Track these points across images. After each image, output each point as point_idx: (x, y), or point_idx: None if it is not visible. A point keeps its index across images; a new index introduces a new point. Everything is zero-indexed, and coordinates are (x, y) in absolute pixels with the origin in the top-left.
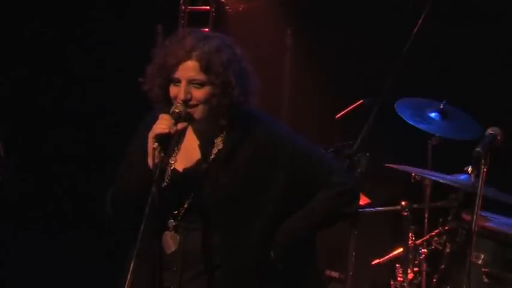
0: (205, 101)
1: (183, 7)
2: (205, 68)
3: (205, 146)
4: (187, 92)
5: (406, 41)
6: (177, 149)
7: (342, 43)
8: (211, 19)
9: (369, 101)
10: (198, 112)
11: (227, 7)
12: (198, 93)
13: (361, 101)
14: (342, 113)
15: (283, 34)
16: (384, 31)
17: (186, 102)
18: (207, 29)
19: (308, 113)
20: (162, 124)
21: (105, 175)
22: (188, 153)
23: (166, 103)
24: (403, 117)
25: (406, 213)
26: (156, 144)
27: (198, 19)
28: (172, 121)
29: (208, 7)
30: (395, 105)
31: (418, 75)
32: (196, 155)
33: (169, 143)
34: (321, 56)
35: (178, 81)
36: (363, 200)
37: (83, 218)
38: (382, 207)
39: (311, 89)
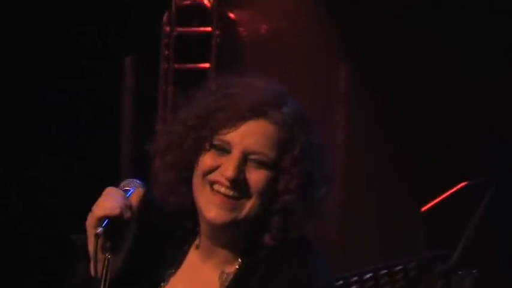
0: (262, 192)
1: (168, 29)
2: (284, 140)
3: (211, 277)
4: (240, 169)
5: None
6: (169, 275)
7: (427, 89)
8: (213, 48)
9: (476, 182)
10: (244, 208)
11: (240, 28)
12: (256, 176)
13: (463, 183)
14: (430, 204)
15: (333, 74)
16: (490, 70)
17: (233, 184)
18: (207, 65)
19: (372, 199)
20: (109, 201)
21: None
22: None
23: (184, 184)
24: None
25: None
26: (99, 230)
27: (193, 48)
28: (126, 200)
29: (209, 28)
30: None
31: None
32: None
33: (122, 235)
34: (395, 109)
35: (226, 149)
36: None
37: None
38: None
39: (377, 161)
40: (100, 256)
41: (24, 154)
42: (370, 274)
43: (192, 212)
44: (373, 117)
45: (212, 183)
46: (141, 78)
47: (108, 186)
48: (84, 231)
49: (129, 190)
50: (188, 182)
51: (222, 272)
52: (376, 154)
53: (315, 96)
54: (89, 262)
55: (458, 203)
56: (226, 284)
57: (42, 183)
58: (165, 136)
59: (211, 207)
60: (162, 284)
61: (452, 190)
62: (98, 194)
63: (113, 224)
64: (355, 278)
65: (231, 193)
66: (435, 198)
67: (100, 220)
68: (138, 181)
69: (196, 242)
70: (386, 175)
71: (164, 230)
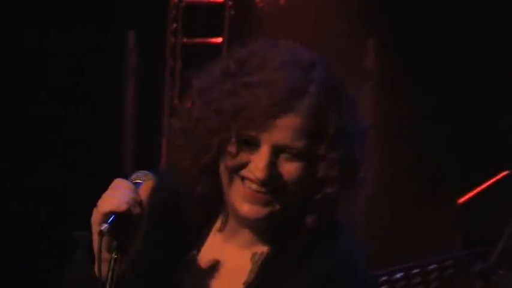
0: (298, 184)
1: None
2: (315, 127)
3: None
4: (271, 166)
5: None
6: (192, 257)
7: (466, 68)
8: (226, 21)
9: None
10: (280, 201)
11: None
12: (290, 168)
13: (504, 172)
14: (468, 195)
15: (360, 51)
16: None
17: (265, 182)
18: (219, 39)
19: (403, 188)
20: (117, 195)
21: None
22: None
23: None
24: None
25: None
26: (104, 227)
27: (203, 21)
28: (136, 194)
29: None
30: None
31: None
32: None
33: (130, 233)
34: (429, 89)
35: (254, 144)
36: None
37: None
38: None
39: (409, 147)
40: (105, 256)
41: (23, 150)
42: (401, 274)
43: (218, 197)
44: (405, 98)
45: (243, 178)
46: (145, 55)
47: (109, 181)
48: (88, 229)
49: (140, 183)
50: (214, 173)
51: (254, 253)
52: (407, 139)
53: (339, 75)
54: (93, 261)
55: (499, 194)
56: (259, 263)
57: (43, 179)
58: (183, 137)
59: (243, 202)
60: (186, 267)
61: (493, 180)
62: (99, 192)
63: (120, 221)
64: (384, 278)
65: (263, 190)
66: (474, 188)
67: (106, 216)
68: (150, 173)
69: (217, 225)
70: (419, 162)
71: (174, 215)
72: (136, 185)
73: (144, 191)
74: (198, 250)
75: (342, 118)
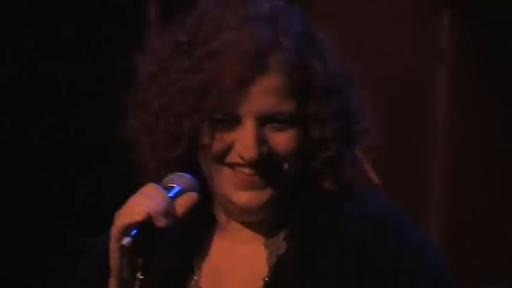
0: (295, 154)
1: None
2: (298, 84)
3: (252, 263)
4: (260, 142)
5: None
6: (198, 264)
7: None
8: None
9: None
10: (280, 178)
11: None
12: (282, 140)
13: None
14: None
15: (432, 24)
16: None
17: (257, 162)
18: None
19: (480, 196)
20: (144, 204)
21: None
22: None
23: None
24: None
25: None
26: (126, 241)
27: None
28: (167, 202)
29: None
30: None
31: None
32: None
33: (155, 248)
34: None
35: (234, 121)
36: None
37: None
38: None
39: (490, 141)
40: (126, 275)
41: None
42: None
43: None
44: (485, 81)
45: (232, 165)
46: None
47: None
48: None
49: (174, 188)
50: (189, 169)
51: (267, 240)
52: (488, 131)
53: (408, 54)
54: (107, 274)
55: None
56: (283, 250)
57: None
58: (145, 133)
59: (239, 191)
60: (195, 273)
61: None
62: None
63: (148, 234)
64: None
65: (257, 171)
66: None
67: (128, 228)
68: (189, 176)
69: (215, 226)
70: (502, 163)
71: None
72: (168, 189)
73: (183, 203)
74: (203, 254)
75: (324, 65)
